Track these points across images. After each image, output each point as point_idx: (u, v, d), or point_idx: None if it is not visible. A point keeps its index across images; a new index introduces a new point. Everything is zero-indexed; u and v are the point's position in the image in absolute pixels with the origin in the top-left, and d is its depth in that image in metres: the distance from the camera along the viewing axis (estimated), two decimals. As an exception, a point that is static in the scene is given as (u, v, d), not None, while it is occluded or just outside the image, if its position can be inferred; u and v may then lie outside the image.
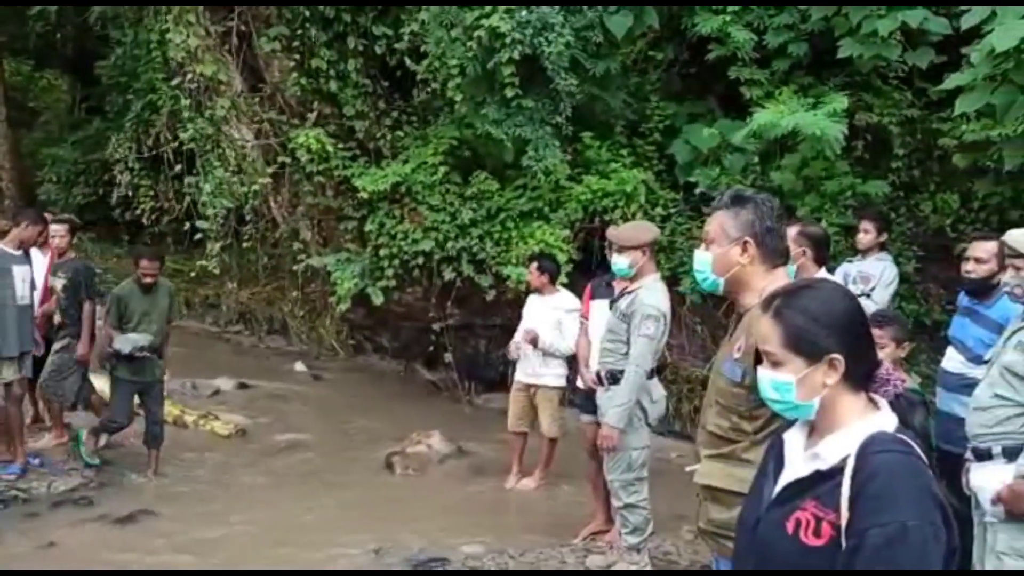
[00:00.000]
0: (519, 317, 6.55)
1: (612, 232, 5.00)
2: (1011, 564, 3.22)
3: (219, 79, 8.02)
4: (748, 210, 2.46)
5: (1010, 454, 3.28)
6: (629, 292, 4.60)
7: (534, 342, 6.10)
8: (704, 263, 2.53)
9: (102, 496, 5.81)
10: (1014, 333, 3.38)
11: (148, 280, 6.10)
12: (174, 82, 8.37)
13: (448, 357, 8.68)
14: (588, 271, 7.62)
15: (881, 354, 2.18)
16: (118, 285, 6.41)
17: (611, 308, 4.77)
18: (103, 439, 6.29)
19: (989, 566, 3.35)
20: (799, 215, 6.59)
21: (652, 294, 4.50)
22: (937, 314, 7.04)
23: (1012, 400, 3.27)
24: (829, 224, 6.72)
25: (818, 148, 6.69)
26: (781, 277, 2.45)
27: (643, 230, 4.80)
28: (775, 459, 1.99)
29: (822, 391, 1.83)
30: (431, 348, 8.89)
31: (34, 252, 6.33)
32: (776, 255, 2.47)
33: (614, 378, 4.56)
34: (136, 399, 6.25)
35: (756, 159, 7.42)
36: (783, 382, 1.86)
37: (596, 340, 5.18)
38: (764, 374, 1.92)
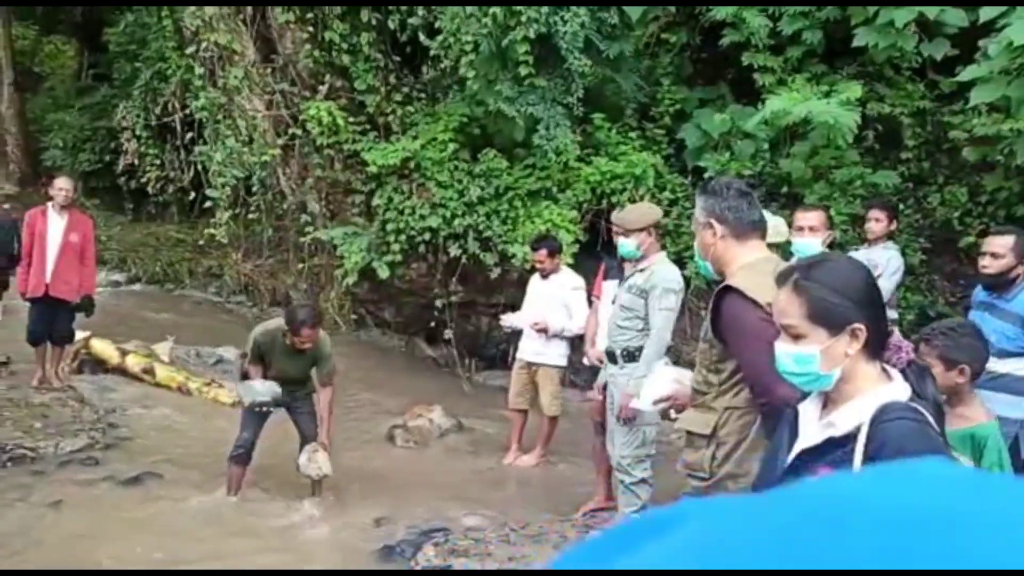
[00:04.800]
0: (522, 295, 6.59)
1: (616, 216, 5.08)
2: None
3: (233, 48, 8.01)
4: (708, 195, 2.74)
5: None
6: (642, 270, 4.63)
7: (544, 331, 6.13)
8: (695, 251, 2.85)
9: (108, 457, 5.85)
10: None
11: (304, 348, 5.10)
12: (189, 50, 8.35)
13: (449, 334, 8.72)
14: (594, 252, 7.66)
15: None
16: (262, 328, 5.29)
17: (621, 287, 4.80)
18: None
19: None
20: (807, 203, 6.61)
21: (668, 269, 4.59)
22: (941, 306, 7.08)
23: None
24: (837, 213, 6.75)
25: (829, 137, 6.71)
26: (755, 248, 2.70)
27: (646, 212, 4.87)
28: (790, 430, 2.04)
29: (843, 361, 1.87)
30: (433, 324, 8.93)
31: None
32: (742, 227, 2.69)
33: (631, 355, 4.59)
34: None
35: (766, 146, 7.44)
36: (806, 354, 1.90)
37: (605, 319, 5.23)
38: (784, 348, 1.96)
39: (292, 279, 10.63)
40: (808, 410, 2.00)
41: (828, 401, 1.96)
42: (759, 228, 2.74)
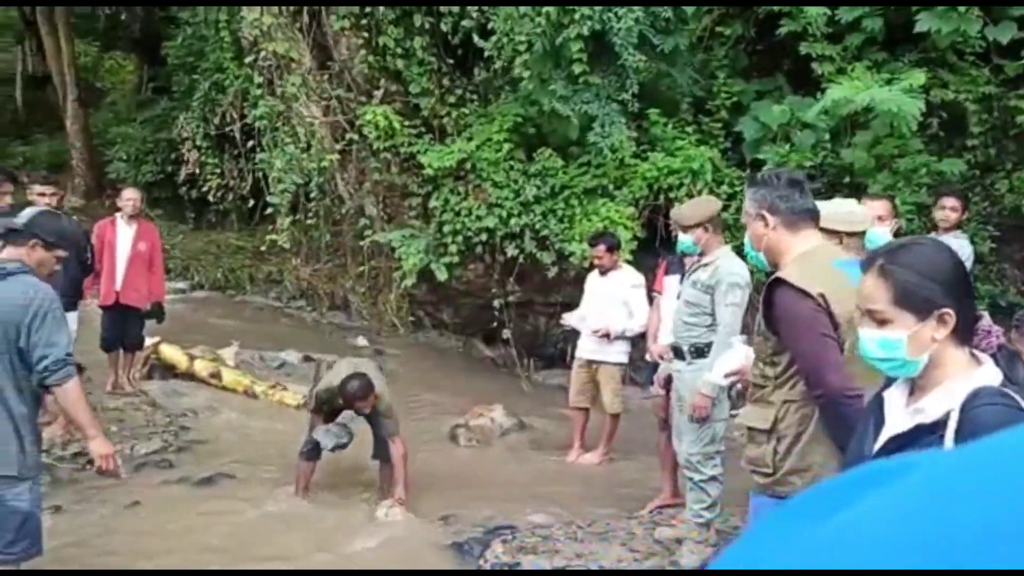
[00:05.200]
0: (580, 294, 6.58)
1: (674, 213, 5.06)
2: None
3: (290, 56, 8.16)
4: (758, 186, 2.74)
5: None
6: (705, 264, 4.59)
7: (607, 336, 6.11)
8: (748, 244, 2.84)
9: (181, 459, 6.00)
10: None
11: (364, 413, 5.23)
12: (248, 59, 8.52)
13: (507, 334, 8.75)
14: (653, 249, 7.63)
15: None
16: (325, 386, 5.28)
17: (685, 282, 4.77)
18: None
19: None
20: (870, 192, 6.49)
21: (733, 263, 4.54)
22: (1012, 295, 6.90)
23: None
24: (902, 203, 6.61)
25: (893, 125, 6.58)
26: (809, 237, 2.68)
27: (702, 206, 4.80)
28: (875, 417, 2.01)
29: (931, 346, 1.84)
30: (492, 324, 8.97)
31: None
32: (794, 217, 2.67)
33: (699, 351, 4.56)
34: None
35: (827, 136, 7.32)
36: (893, 339, 1.87)
37: (668, 314, 5.21)
38: (870, 334, 1.93)
39: (350, 282, 10.77)
40: (894, 397, 1.97)
41: (915, 387, 1.93)
42: (812, 217, 2.73)
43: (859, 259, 3.05)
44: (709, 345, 4.54)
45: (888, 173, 7.10)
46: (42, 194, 5.91)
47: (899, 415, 1.92)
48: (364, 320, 10.66)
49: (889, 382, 2.01)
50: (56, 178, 7.82)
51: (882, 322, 1.90)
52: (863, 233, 3.73)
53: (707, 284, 4.55)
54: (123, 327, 7.03)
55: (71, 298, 6.06)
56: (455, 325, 9.51)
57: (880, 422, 1.98)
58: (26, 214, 3.51)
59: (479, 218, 7.84)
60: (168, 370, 7.90)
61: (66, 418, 5.01)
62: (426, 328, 10.14)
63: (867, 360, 1.98)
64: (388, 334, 10.25)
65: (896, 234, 4.75)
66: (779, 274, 2.58)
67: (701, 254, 4.67)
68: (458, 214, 7.97)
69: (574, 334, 6.82)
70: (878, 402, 2.01)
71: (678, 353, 4.72)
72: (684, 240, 4.67)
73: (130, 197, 7.13)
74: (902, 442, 1.87)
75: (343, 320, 10.92)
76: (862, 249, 3.57)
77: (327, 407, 5.29)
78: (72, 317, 6.25)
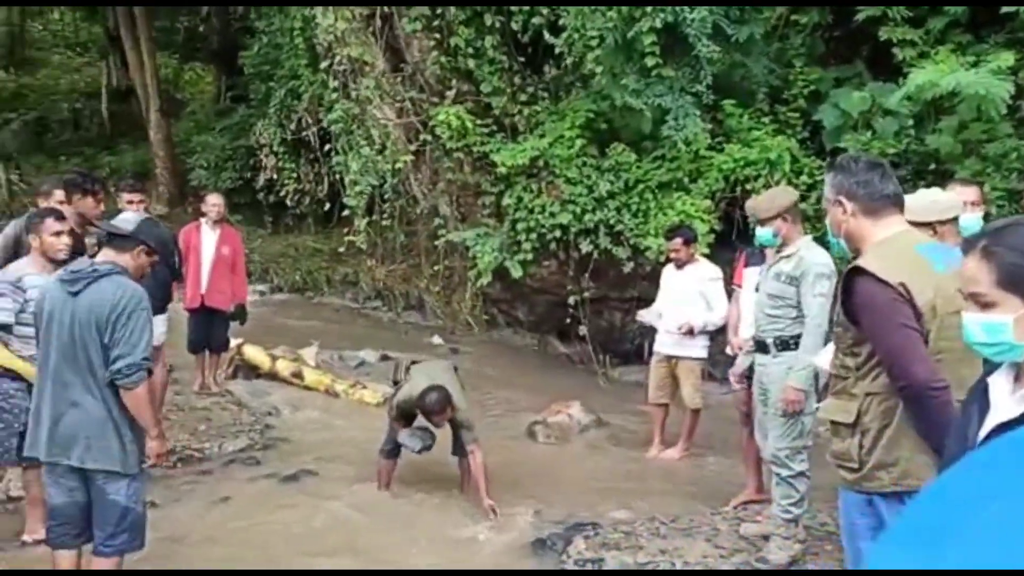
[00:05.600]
0: (656, 289, 6.52)
1: (749, 204, 4.93)
2: None
3: (364, 60, 8.29)
4: (837, 171, 2.69)
5: None
6: (787, 256, 4.50)
7: (691, 332, 6.05)
8: (828, 229, 2.82)
9: (267, 456, 6.14)
10: None
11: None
12: (323, 65, 8.70)
13: (583, 330, 8.72)
14: (730, 242, 7.52)
15: None
16: (404, 396, 5.30)
17: (766, 275, 4.68)
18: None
19: None
20: (959, 177, 6.27)
21: (817, 253, 4.43)
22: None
23: None
24: (992, 189, 6.38)
25: (980, 109, 6.35)
26: (892, 223, 2.60)
27: (779, 196, 4.69)
28: (979, 403, 1.94)
29: None
30: (567, 321, 8.96)
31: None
32: (875, 202, 2.61)
33: (784, 344, 4.47)
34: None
35: (910, 122, 7.10)
36: (998, 322, 1.81)
37: (748, 307, 5.12)
38: (973, 318, 1.87)
39: (425, 282, 10.90)
40: (999, 383, 1.90)
41: (1020, 373, 1.86)
42: (895, 202, 2.64)
43: (950, 244, 2.96)
44: (795, 337, 4.44)
45: (976, 159, 6.85)
46: (131, 201, 6.12)
47: (1006, 402, 1.85)
48: (439, 319, 10.78)
49: (991, 368, 1.94)
50: (142, 185, 8.08)
51: (986, 305, 1.83)
52: (954, 219, 3.62)
53: (791, 275, 4.45)
54: (208, 329, 7.24)
55: (161, 301, 6.28)
56: (530, 323, 9.53)
57: (984, 409, 1.91)
58: (131, 220, 3.63)
59: (553, 215, 7.84)
60: (251, 370, 8.11)
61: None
62: (500, 326, 10.19)
63: (970, 346, 1.92)
64: (463, 333, 10.33)
65: (986, 221, 4.59)
66: (858, 263, 2.51)
67: (781, 246, 4.58)
68: (531, 211, 7.98)
69: (651, 329, 6.76)
70: (982, 388, 1.95)
71: (762, 347, 4.62)
72: (763, 233, 4.56)
73: (215, 203, 7.35)
74: (1010, 428, 1.80)
75: (418, 320, 11.06)
76: (956, 236, 3.46)
77: (405, 415, 5.38)
78: (161, 320, 6.47)
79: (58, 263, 4.13)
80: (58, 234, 4.14)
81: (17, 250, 4.56)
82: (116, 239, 3.50)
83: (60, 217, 4.29)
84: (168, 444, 3.54)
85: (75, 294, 3.36)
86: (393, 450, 5.45)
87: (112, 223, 3.61)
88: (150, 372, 3.41)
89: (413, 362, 5.66)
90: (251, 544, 4.72)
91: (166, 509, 5.04)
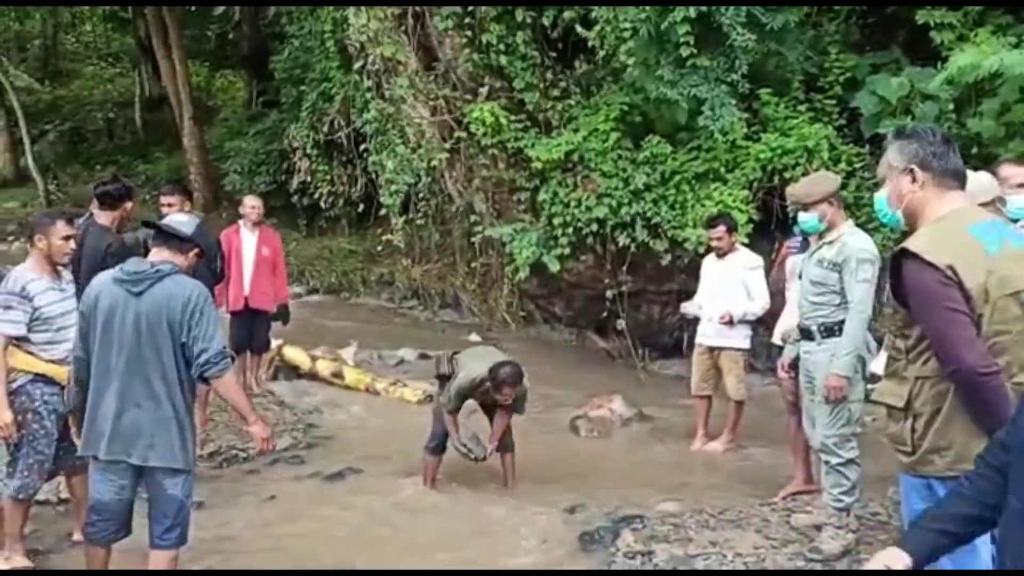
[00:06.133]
0: (694, 281, 6.48)
1: (791, 191, 4.86)
2: None
3: (397, 59, 8.33)
4: (911, 140, 2.57)
5: None
6: (830, 242, 4.45)
7: (731, 321, 6.01)
8: (881, 200, 2.67)
9: (311, 455, 6.18)
10: None
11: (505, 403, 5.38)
12: (357, 65, 8.74)
13: (621, 324, 8.69)
14: (768, 232, 7.45)
15: None
16: (467, 380, 5.32)
17: (808, 262, 4.62)
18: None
19: None
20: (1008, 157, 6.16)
21: (860, 239, 4.39)
22: None
23: None
24: (1038, 171, 6.24)
25: (1023, 90, 6.23)
26: (954, 199, 2.52)
27: (823, 181, 4.65)
28: None
29: None
30: (604, 316, 8.93)
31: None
32: (945, 176, 2.53)
33: (829, 330, 4.42)
34: None
35: (951, 106, 6.99)
36: None
37: (792, 295, 5.07)
38: None
39: (460, 280, 10.91)
40: None
41: None
42: (960, 179, 2.58)
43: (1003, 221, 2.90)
44: (839, 324, 4.39)
45: (1020, 140, 6.72)
46: (169, 204, 6.18)
47: None
48: (475, 317, 10.79)
49: None
50: (179, 188, 8.15)
51: None
52: (992, 201, 3.54)
53: (834, 262, 4.40)
54: (251, 330, 7.29)
55: None
56: (567, 318, 9.51)
57: None
58: (187, 223, 3.69)
59: (589, 209, 7.82)
60: (292, 371, 8.18)
61: (231, 406, 5.31)
62: (537, 323, 10.18)
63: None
64: (500, 330, 10.33)
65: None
66: (906, 244, 2.45)
67: (823, 232, 4.52)
68: (567, 206, 7.97)
69: (691, 322, 6.72)
70: None
71: (807, 334, 4.57)
72: (807, 219, 4.51)
73: (253, 204, 7.41)
74: None
75: (455, 318, 11.09)
76: (1002, 216, 3.39)
77: (464, 399, 5.39)
78: None
79: (60, 267, 4.17)
80: (67, 238, 4.14)
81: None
82: (173, 240, 3.56)
83: (70, 221, 4.31)
84: (268, 429, 3.58)
85: (139, 294, 3.42)
86: (439, 446, 5.46)
87: (170, 224, 3.65)
88: (233, 359, 3.49)
89: (455, 353, 5.65)
90: (301, 542, 4.76)
91: (215, 509, 5.09)
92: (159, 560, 3.58)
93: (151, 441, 3.43)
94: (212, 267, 6.57)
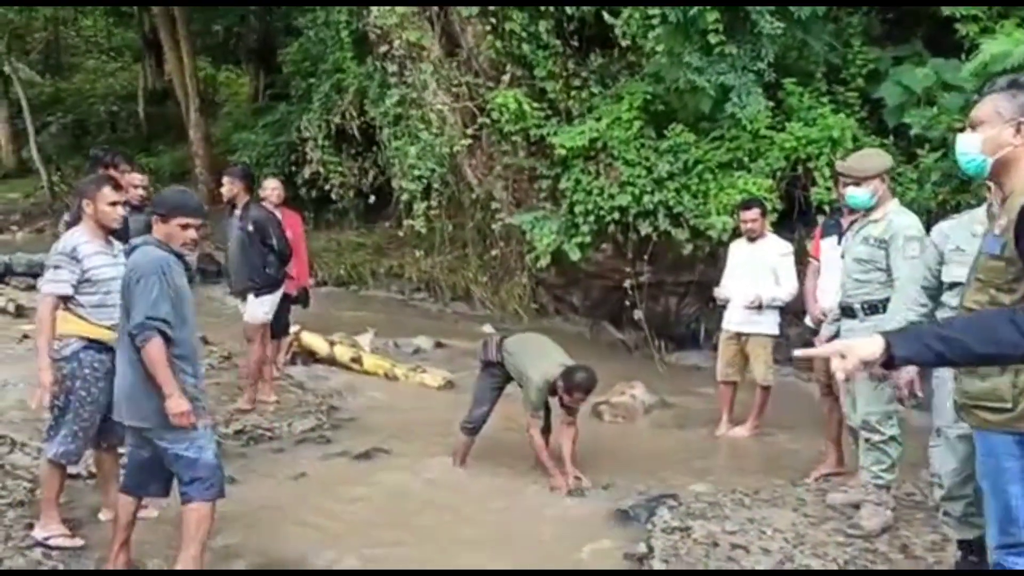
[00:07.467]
0: (714, 271, 6.47)
1: (844, 166, 4.83)
2: None
3: (421, 45, 8.32)
4: (1021, 91, 2.53)
5: None
6: (875, 220, 4.45)
7: (759, 306, 6.01)
8: (972, 145, 2.60)
9: (337, 436, 6.15)
10: None
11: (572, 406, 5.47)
12: (381, 50, 8.72)
13: (638, 315, 8.67)
14: (790, 221, 7.46)
15: None
16: (542, 377, 5.34)
17: (853, 239, 4.62)
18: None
19: None
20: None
21: (906, 217, 4.39)
22: None
23: None
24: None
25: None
26: None
27: (876, 157, 4.65)
28: None
29: None
30: (621, 307, 8.91)
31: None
32: None
33: (873, 308, 4.42)
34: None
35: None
36: None
37: (831, 276, 5.09)
38: None
39: (472, 271, 10.88)
40: None
41: None
42: None
43: None
44: (883, 301, 4.38)
45: (1045, 131, 6.74)
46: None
47: None
48: (487, 309, 10.76)
49: None
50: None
51: None
52: None
53: (880, 239, 4.40)
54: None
55: (263, 282, 6.49)
56: (584, 308, 9.49)
57: None
58: (171, 193, 4.11)
59: (612, 196, 7.81)
60: (309, 356, 8.14)
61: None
62: (550, 315, 10.14)
63: None
64: (512, 322, 10.29)
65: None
66: None
67: (869, 210, 4.51)
68: (590, 193, 7.96)
69: (707, 313, 6.71)
70: None
71: (849, 312, 4.56)
72: (858, 194, 4.49)
73: (274, 187, 7.37)
74: None
75: (466, 310, 11.06)
76: None
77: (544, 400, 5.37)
78: (264, 301, 6.54)
79: (110, 232, 4.21)
80: (114, 204, 4.16)
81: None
82: (155, 214, 3.85)
83: (117, 187, 4.30)
84: (187, 405, 3.54)
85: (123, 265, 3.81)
86: (475, 429, 5.45)
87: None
88: (162, 333, 3.54)
89: (503, 338, 5.63)
90: (335, 517, 4.74)
91: (247, 484, 5.05)
92: (186, 515, 3.68)
93: (127, 403, 3.67)
94: (267, 243, 6.54)
